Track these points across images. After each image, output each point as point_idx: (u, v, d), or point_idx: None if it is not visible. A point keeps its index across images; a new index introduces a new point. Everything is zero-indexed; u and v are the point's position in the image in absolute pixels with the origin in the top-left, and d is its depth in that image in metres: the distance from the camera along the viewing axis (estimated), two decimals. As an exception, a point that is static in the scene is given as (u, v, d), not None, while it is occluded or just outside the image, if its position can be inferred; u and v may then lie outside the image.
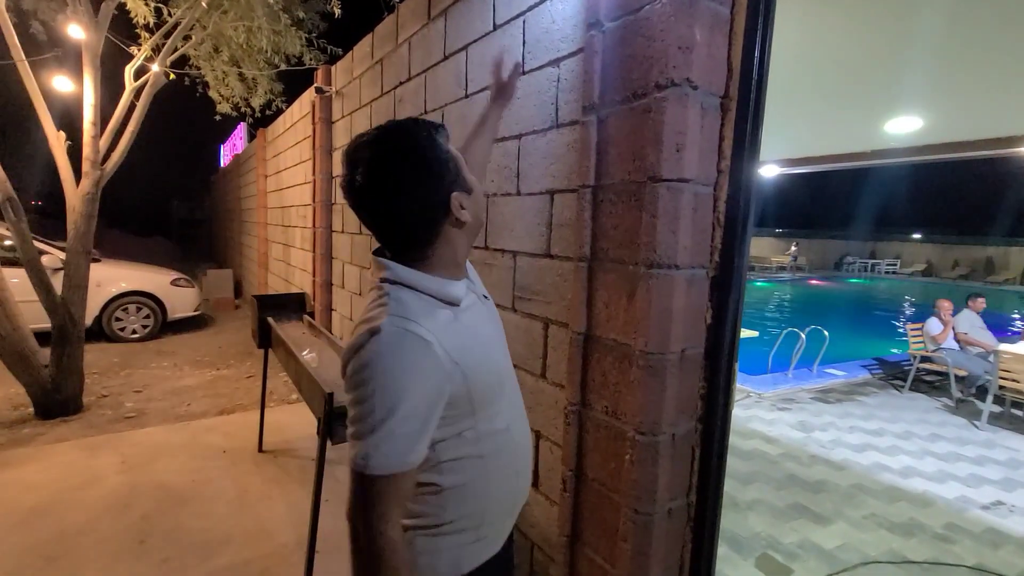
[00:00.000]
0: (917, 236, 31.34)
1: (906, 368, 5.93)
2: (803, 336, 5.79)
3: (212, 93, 6.00)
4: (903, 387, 5.69)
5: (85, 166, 3.73)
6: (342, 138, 3.70)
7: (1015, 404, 4.82)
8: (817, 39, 2.45)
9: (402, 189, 0.82)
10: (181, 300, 6.68)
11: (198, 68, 5.42)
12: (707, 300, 1.29)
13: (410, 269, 0.86)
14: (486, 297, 1.02)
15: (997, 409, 4.77)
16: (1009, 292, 20.08)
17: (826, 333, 5.98)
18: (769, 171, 5.66)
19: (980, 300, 5.86)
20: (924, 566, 2.53)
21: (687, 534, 1.35)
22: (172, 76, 4.53)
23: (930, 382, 5.87)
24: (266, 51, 4.95)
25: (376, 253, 0.92)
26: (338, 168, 3.80)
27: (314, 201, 4.13)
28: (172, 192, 25.10)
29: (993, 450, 4.10)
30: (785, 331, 6.03)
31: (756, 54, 1.20)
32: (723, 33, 1.22)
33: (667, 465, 1.27)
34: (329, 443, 1.80)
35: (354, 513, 0.76)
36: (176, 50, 4.27)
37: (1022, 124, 3.58)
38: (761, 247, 25.22)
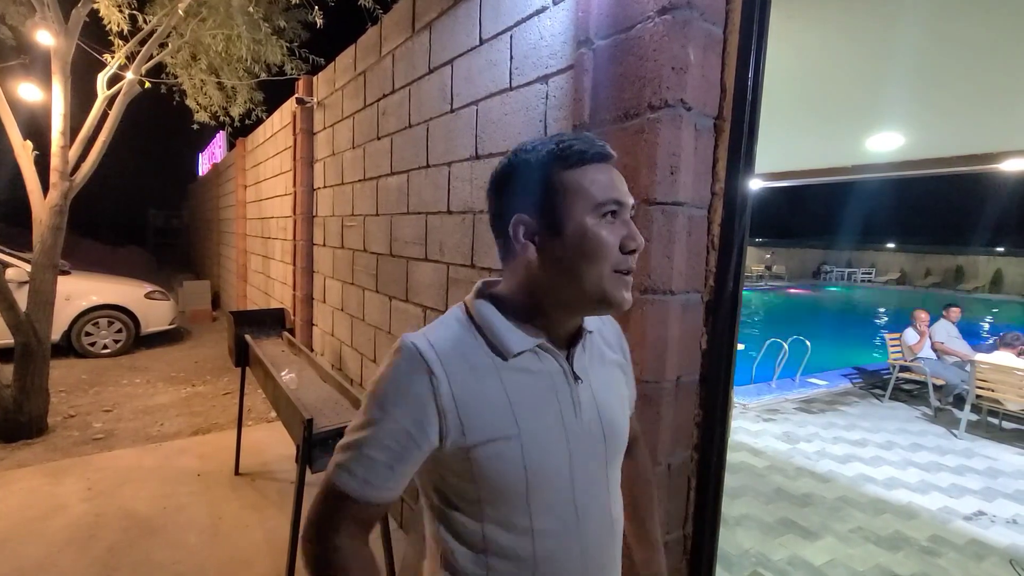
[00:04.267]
0: (891, 245, 32.25)
1: (885, 377, 6.02)
2: (786, 346, 5.85)
3: (190, 102, 5.87)
4: (883, 396, 5.77)
5: (53, 177, 3.58)
6: (323, 150, 3.62)
7: (991, 413, 4.91)
8: (802, 58, 2.48)
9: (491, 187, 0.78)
10: (156, 313, 6.47)
11: (175, 76, 5.30)
12: (702, 325, 1.25)
13: (486, 298, 0.76)
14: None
15: (974, 418, 4.85)
16: (978, 300, 20.70)
17: (808, 343, 6.04)
18: (752, 185, 5.73)
19: (955, 310, 6.00)
20: (912, 581, 2.53)
21: (684, 568, 1.30)
22: (148, 84, 4.41)
23: (909, 391, 5.96)
24: (246, 60, 4.86)
25: None
26: (319, 180, 3.72)
27: (295, 213, 4.03)
28: (148, 200, 24.54)
29: (972, 459, 4.16)
30: (768, 341, 6.08)
31: (750, 74, 1.18)
32: (716, 53, 1.20)
33: (663, 497, 1.23)
34: (309, 471, 1.71)
35: (311, 511, 0.70)
36: (151, 58, 4.15)
37: (996, 141, 3.67)
38: (741, 256, 25.59)
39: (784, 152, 4.48)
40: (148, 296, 6.44)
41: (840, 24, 2.11)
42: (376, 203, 2.78)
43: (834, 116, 3.38)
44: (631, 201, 0.72)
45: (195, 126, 6.47)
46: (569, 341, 0.76)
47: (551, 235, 0.70)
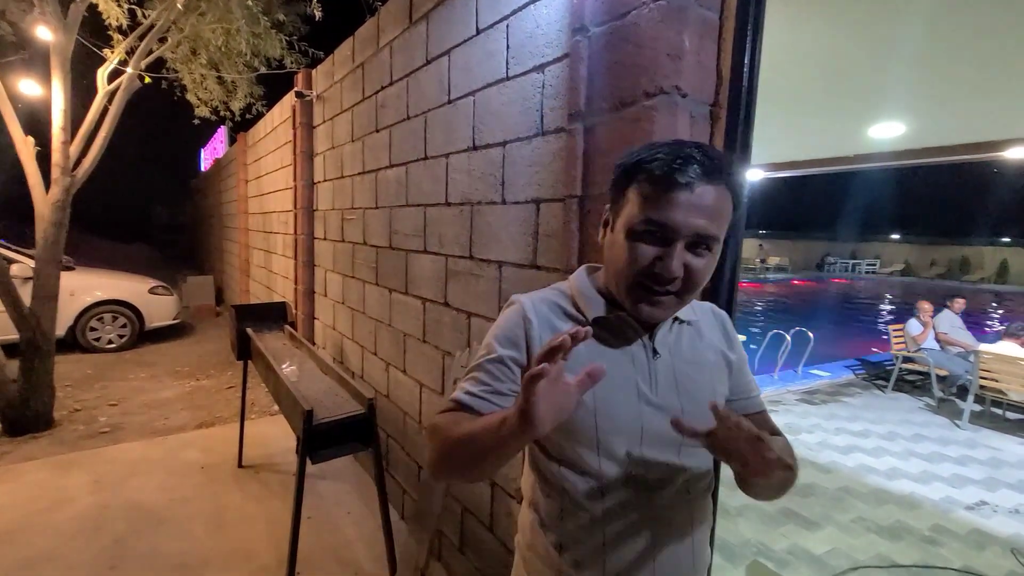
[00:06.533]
0: (896, 237, 32.07)
1: (889, 368, 6.01)
2: (788, 338, 5.83)
3: (190, 96, 5.87)
4: (886, 387, 5.76)
5: (55, 173, 3.60)
6: (323, 143, 3.62)
7: (995, 403, 4.90)
8: (802, 46, 2.45)
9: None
10: (159, 308, 6.51)
11: (175, 71, 5.30)
12: (698, 313, 1.25)
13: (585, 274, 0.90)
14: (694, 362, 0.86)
15: (977, 408, 4.84)
16: (983, 291, 20.57)
17: (811, 335, 6.03)
18: (753, 175, 5.70)
19: (959, 301, 5.96)
20: (912, 570, 2.53)
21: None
22: (148, 80, 4.40)
23: (912, 382, 5.95)
24: (245, 54, 4.85)
25: None
26: (319, 174, 3.72)
27: (295, 207, 4.04)
28: (152, 197, 24.59)
29: (975, 449, 4.15)
30: (771, 333, 6.06)
31: (746, 61, 1.17)
32: (712, 40, 1.19)
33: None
34: (309, 462, 1.73)
35: (434, 416, 0.84)
36: (151, 52, 4.15)
37: (999, 129, 3.63)
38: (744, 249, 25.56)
39: (786, 142, 4.44)
40: (152, 291, 6.48)
41: (839, 10, 2.09)
42: (375, 196, 2.78)
43: (835, 104, 3.34)
44: (689, 229, 0.71)
45: (196, 121, 6.47)
46: (652, 321, 0.82)
47: (610, 232, 0.81)
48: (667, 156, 0.72)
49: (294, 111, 3.98)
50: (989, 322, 11.88)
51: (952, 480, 3.57)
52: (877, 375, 6.30)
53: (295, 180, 4.02)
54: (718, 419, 0.69)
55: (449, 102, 2.05)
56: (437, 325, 2.19)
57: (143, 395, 4.50)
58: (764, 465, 0.69)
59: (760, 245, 26.67)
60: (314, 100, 3.76)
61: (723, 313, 0.95)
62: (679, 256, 0.72)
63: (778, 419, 5.07)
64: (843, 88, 3.03)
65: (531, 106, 1.59)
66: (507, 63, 1.69)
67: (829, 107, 3.42)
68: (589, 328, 0.61)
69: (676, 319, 0.84)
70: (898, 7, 2.03)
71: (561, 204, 1.44)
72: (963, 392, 4.91)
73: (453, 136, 2.03)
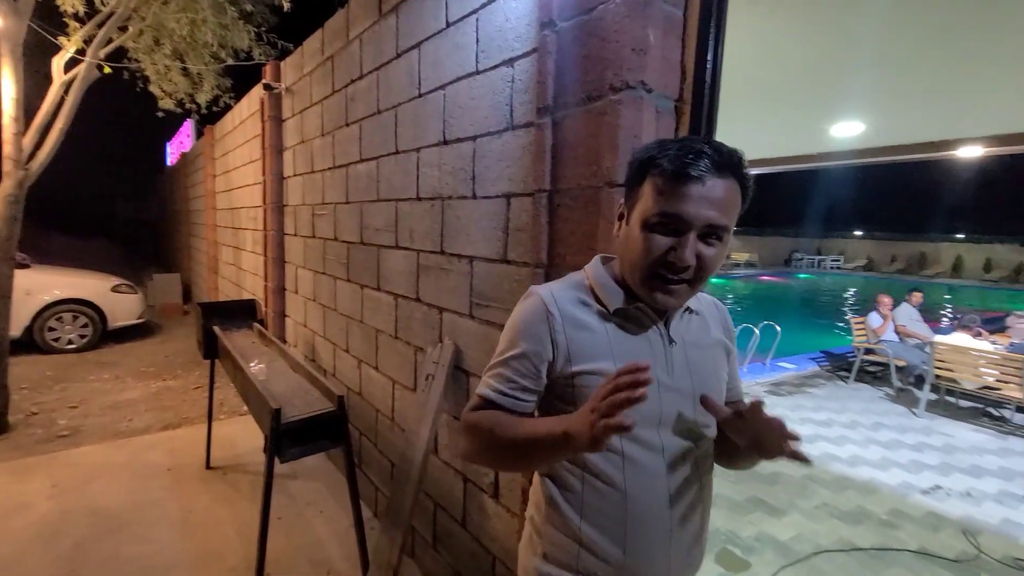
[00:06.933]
0: (859, 233, 33.16)
1: (851, 360, 6.22)
2: (757, 332, 5.98)
3: (153, 88, 5.66)
4: (848, 378, 5.96)
5: (7, 166, 3.44)
6: (293, 137, 3.55)
7: (949, 392, 5.13)
8: (765, 44, 2.51)
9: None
10: (123, 307, 6.29)
11: (137, 61, 5.11)
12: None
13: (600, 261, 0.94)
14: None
15: (933, 397, 5.06)
16: (940, 285, 21.47)
17: (778, 328, 6.20)
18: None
19: (917, 294, 6.21)
20: (872, 552, 2.63)
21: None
22: (108, 69, 4.24)
23: (873, 372, 6.17)
24: (212, 45, 4.71)
25: None
26: (289, 168, 3.65)
27: (264, 203, 3.95)
28: (116, 191, 23.68)
29: (930, 436, 4.34)
30: (740, 327, 6.20)
31: (709, 57, 1.19)
32: (676, 35, 1.21)
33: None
34: (278, 461, 1.70)
35: (463, 415, 0.91)
36: (111, 41, 3.99)
37: (951, 128, 3.79)
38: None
39: (752, 139, 4.55)
40: (115, 290, 6.25)
41: (801, 11, 2.14)
42: (346, 191, 2.75)
43: (799, 103, 3.44)
44: (701, 220, 0.76)
45: (160, 114, 6.26)
46: (665, 311, 0.87)
47: (625, 224, 0.85)
48: (679, 151, 0.77)
49: (263, 104, 3.89)
50: (945, 315, 12.41)
51: (909, 466, 3.73)
52: (840, 367, 6.52)
53: (264, 175, 3.93)
54: (751, 410, 0.80)
55: (419, 96, 2.04)
56: (409, 321, 2.18)
57: (105, 397, 4.34)
58: (782, 454, 0.80)
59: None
60: (283, 93, 3.68)
61: (723, 306, 1.02)
62: (692, 246, 0.77)
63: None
64: (805, 87, 3.12)
65: (501, 100, 1.59)
66: (477, 57, 1.69)
67: (793, 105, 3.51)
68: (650, 376, 0.68)
69: (687, 309, 0.91)
70: (856, 8, 2.10)
71: (531, 199, 1.44)
72: (920, 382, 5.13)
73: (424, 130, 2.02)
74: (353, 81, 2.61)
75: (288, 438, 1.71)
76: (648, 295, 0.82)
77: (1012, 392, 4.49)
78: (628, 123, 1.16)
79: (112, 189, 23.50)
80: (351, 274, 2.72)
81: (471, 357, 1.78)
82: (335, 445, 1.88)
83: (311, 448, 1.80)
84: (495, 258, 1.65)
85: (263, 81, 3.77)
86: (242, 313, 3.38)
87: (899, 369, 5.57)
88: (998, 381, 4.61)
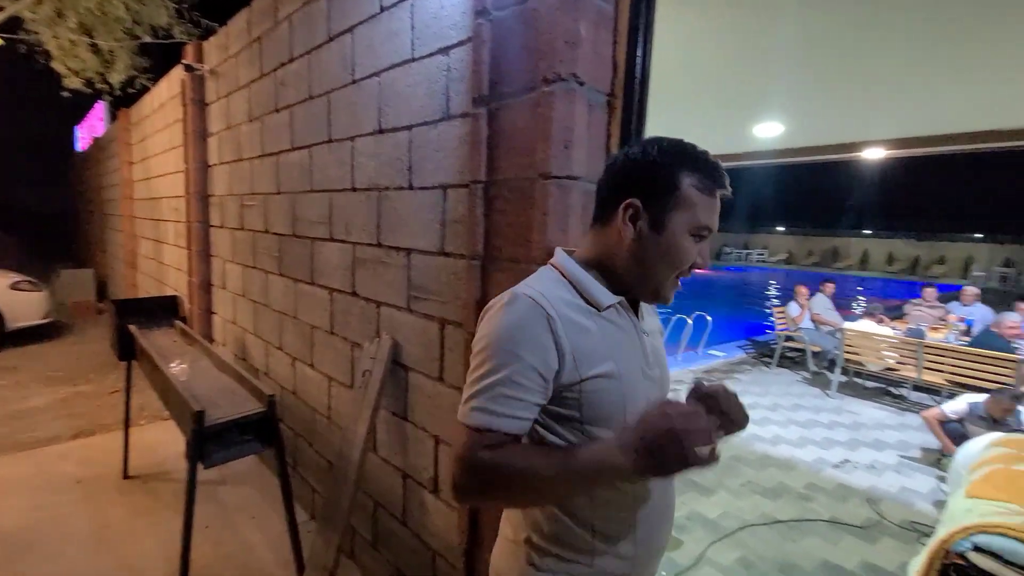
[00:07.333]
0: (781, 229, 35.48)
1: (773, 347, 6.67)
2: (690, 322, 6.28)
3: (56, 65, 5.15)
4: (771, 363, 6.39)
5: None
6: (218, 122, 3.33)
7: (857, 374, 5.61)
8: (694, 44, 2.63)
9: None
10: (25, 306, 5.69)
11: (36, 33, 4.63)
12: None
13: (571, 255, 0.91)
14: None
15: (844, 379, 5.52)
16: (849, 276, 23.40)
17: (709, 318, 6.53)
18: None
19: (830, 285, 6.74)
20: (790, 524, 2.85)
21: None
22: (0, 42, 3.81)
23: (792, 358, 6.65)
24: (125, 20, 4.34)
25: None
26: (214, 156, 3.43)
27: (188, 192, 3.69)
28: (18, 181, 21.31)
29: (841, 415, 4.74)
30: (675, 318, 6.49)
31: (639, 53, 1.23)
32: (608, 30, 1.24)
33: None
34: (201, 466, 1.60)
35: (456, 453, 0.79)
36: (1, 9, 3.59)
37: (858, 131, 4.13)
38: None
39: (682, 136, 4.75)
40: (14, 287, 5.65)
41: (725, 15, 2.26)
42: (277, 180, 2.62)
43: (725, 103, 3.63)
44: (716, 228, 0.86)
45: (65, 93, 5.71)
46: (633, 304, 0.90)
47: (651, 229, 0.83)
48: (708, 163, 0.83)
49: (184, 86, 3.62)
50: (854, 303, 13.54)
51: (822, 443, 4.05)
52: (763, 353, 6.97)
53: (187, 162, 3.67)
54: (715, 390, 0.83)
55: (354, 82, 1.97)
56: (345, 316, 2.11)
57: (5, 405, 3.92)
58: (743, 420, 0.84)
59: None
60: (206, 75, 3.45)
61: None
62: (707, 250, 0.87)
63: (681, 398, 5.50)
64: (731, 88, 3.30)
65: (437, 89, 1.57)
66: (412, 44, 1.65)
67: (721, 104, 3.70)
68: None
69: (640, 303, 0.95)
70: (773, 15, 2.23)
71: (467, 190, 1.43)
72: (832, 365, 5.58)
73: (358, 118, 1.95)
74: (283, 64, 2.48)
75: (212, 442, 1.61)
76: (667, 295, 0.87)
77: (909, 372, 4.98)
78: (561, 115, 1.17)
79: (12, 178, 21.16)
80: (284, 268, 2.60)
81: (409, 352, 1.76)
82: (265, 448, 1.80)
83: (238, 451, 1.71)
84: (433, 250, 1.63)
85: (184, 62, 3.51)
86: (163, 311, 3.16)
87: (815, 354, 6.03)
88: (897, 363, 5.10)
